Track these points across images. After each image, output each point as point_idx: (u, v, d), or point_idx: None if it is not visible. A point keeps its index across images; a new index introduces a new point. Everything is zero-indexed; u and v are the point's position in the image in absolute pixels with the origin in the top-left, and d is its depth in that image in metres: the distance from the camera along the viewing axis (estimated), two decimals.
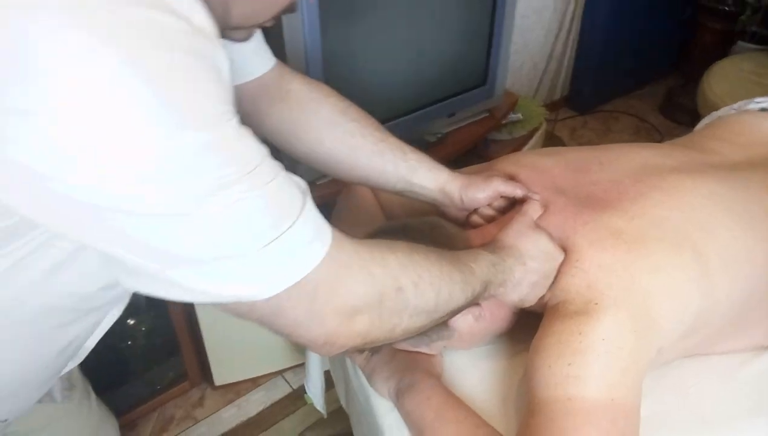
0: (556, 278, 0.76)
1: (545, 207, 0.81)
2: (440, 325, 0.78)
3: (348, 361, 0.91)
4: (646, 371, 0.71)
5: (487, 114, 1.71)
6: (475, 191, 0.85)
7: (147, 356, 1.58)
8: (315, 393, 1.21)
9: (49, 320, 0.64)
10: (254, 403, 1.62)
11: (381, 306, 0.54)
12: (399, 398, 0.79)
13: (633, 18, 2.61)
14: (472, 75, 1.59)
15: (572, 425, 0.66)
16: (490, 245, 0.76)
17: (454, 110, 1.58)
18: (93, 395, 1.02)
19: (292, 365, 1.67)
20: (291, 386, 1.66)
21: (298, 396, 1.63)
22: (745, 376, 0.85)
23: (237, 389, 1.64)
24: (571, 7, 2.46)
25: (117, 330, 1.57)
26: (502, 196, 0.85)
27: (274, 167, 0.46)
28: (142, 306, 1.60)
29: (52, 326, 0.65)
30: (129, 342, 1.56)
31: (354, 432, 1.01)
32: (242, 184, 0.43)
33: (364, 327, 0.54)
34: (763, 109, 1.05)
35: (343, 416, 1.08)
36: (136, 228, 0.42)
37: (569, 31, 2.52)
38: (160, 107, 0.39)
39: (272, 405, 1.61)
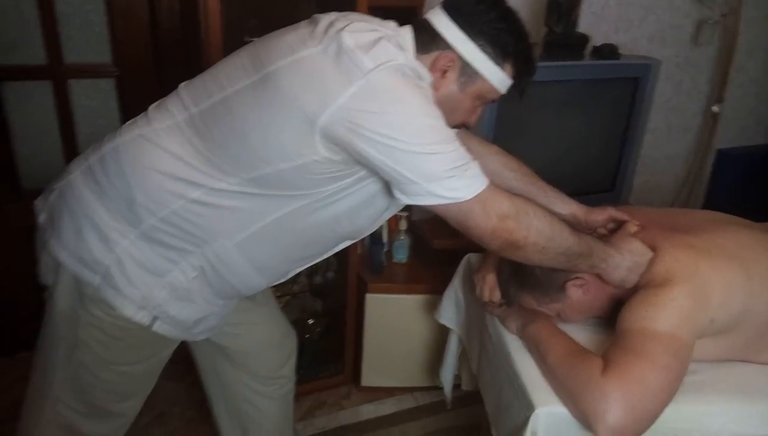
0: (647, 267, 1.14)
1: (642, 227, 1.22)
2: (557, 288, 1.19)
3: (487, 318, 1.32)
4: (702, 329, 1.07)
5: None
6: (595, 215, 1.30)
7: (318, 350, 2.06)
8: (446, 379, 1.62)
9: (326, 229, 1.12)
10: (387, 406, 2.02)
11: (518, 216, 1.00)
12: (524, 328, 1.20)
13: (763, 178, 2.87)
14: (603, 180, 2.07)
15: (642, 341, 1.03)
16: None
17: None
18: (281, 311, 1.46)
19: (421, 385, 2.05)
20: (417, 402, 2.03)
21: (422, 410, 2.00)
22: None
23: (376, 393, 2.05)
24: (698, 163, 2.84)
25: (300, 326, 2.08)
26: (613, 221, 1.27)
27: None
28: (319, 312, 2.11)
29: (323, 233, 1.13)
30: (307, 336, 2.05)
31: (482, 388, 1.38)
32: (455, 142, 0.96)
33: (510, 227, 0.99)
34: None
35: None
36: (419, 160, 0.94)
37: (694, 182, 2.88)
38: (428, 113, 0.95)
39: (401, 412, 2.00)
